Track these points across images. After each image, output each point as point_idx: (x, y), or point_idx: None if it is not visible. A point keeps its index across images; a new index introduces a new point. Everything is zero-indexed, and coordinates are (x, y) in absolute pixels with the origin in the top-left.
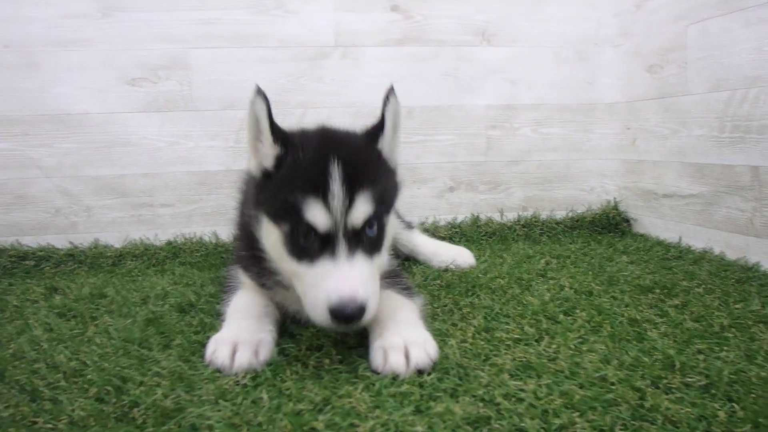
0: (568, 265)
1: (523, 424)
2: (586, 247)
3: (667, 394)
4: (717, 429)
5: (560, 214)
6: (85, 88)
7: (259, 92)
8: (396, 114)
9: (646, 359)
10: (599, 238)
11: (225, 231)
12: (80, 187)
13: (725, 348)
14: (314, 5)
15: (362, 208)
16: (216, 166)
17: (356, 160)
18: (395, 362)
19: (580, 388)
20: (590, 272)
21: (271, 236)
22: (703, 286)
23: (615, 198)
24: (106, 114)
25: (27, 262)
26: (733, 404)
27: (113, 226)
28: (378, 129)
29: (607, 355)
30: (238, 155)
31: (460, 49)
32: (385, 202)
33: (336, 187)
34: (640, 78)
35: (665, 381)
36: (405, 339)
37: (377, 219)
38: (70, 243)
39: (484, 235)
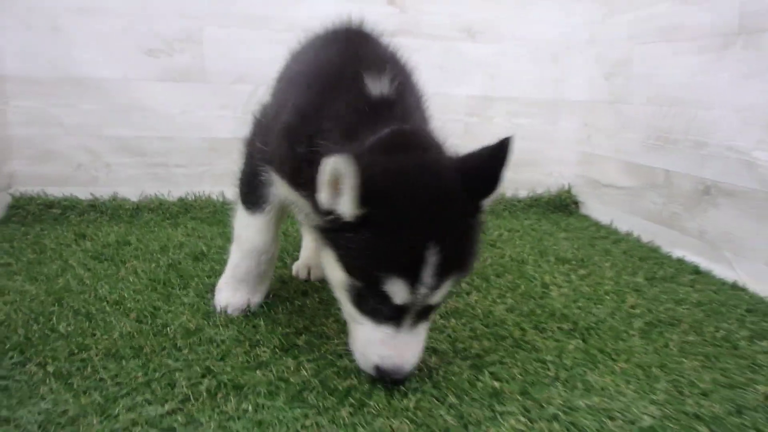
0: (515, 238)
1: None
2: (536, 224)
3: (541, 332)
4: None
5: (523, 194)
6: (105, 55)
7: (348, 160)
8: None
9: (538, 311)
10: (551, 216)
11: (232, 192)
12: (101, 145)
13: (598, 307)
14: None
15: (446, 291)
16: (225, 134)
17: (455, 239)
18: None
19: (483, 324)
20: (528, 245)
21: (335, 273)
22: (609, 261)
23: (569, 183)
24: (125, 80)
25: (54, 210)
26: (583, 340)
27: (131, 181)
28: (488, 187)
29: (513, 307)
30: (246, 125)
31: (447, 44)
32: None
33: (428, 275)
34: (598, 82)
35: (544, 325)
36: None
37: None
38: (92, 195)
39: None
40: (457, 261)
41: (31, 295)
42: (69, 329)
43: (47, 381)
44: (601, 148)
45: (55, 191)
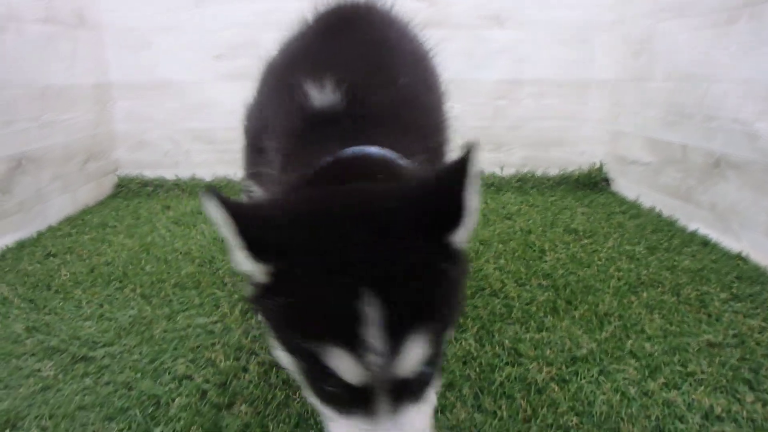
0: (533, 212)
1: None
2: (560, 200)
3: (520, 286)
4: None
5: (553, 172)
6: (183, 62)
7: (212, 196)
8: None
9: (523, 270)
10: (578, 193)
11: None
12: (182, 135)
13: (585, 269)
14: None
15: (416, 355)
16: None
17: (406, 286)
18: None
19: (469, 279)
20: (542, 218)
21: (278, 354)
22: (618, 232)
23: (600, 161)
24: (198, 82)
25: (147, 188)
26: (555, 293)
27: (205, 164)
28: (453, 217)
29: (503, 267)
30: None
31: (475, 32)
32: (451, 320)
33: (374, 336)
34: (625, 61)
35: (524, 281)
36: None
37: (437, 352)
38: (176, 176)
39: (484, 186)
40: (415, 311)
41: (129, 247)
42: (152, 269)
43: (136, 299)
44: (628, 126)
45: (149, 173)
